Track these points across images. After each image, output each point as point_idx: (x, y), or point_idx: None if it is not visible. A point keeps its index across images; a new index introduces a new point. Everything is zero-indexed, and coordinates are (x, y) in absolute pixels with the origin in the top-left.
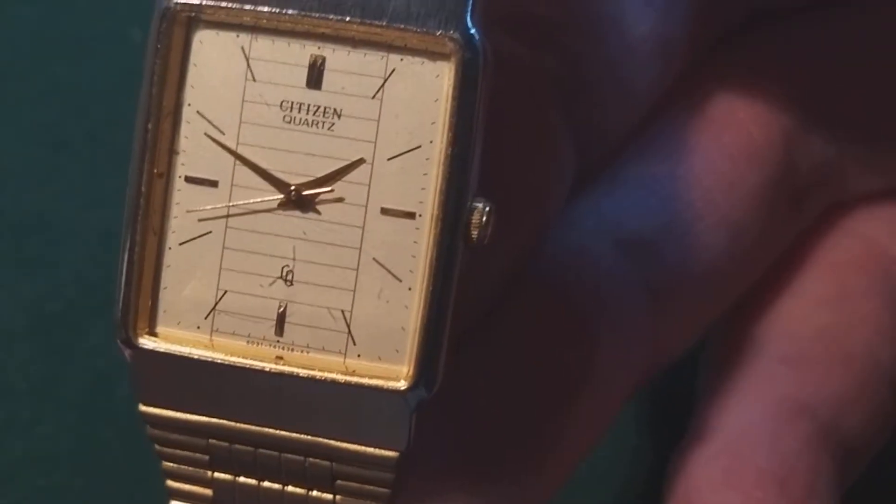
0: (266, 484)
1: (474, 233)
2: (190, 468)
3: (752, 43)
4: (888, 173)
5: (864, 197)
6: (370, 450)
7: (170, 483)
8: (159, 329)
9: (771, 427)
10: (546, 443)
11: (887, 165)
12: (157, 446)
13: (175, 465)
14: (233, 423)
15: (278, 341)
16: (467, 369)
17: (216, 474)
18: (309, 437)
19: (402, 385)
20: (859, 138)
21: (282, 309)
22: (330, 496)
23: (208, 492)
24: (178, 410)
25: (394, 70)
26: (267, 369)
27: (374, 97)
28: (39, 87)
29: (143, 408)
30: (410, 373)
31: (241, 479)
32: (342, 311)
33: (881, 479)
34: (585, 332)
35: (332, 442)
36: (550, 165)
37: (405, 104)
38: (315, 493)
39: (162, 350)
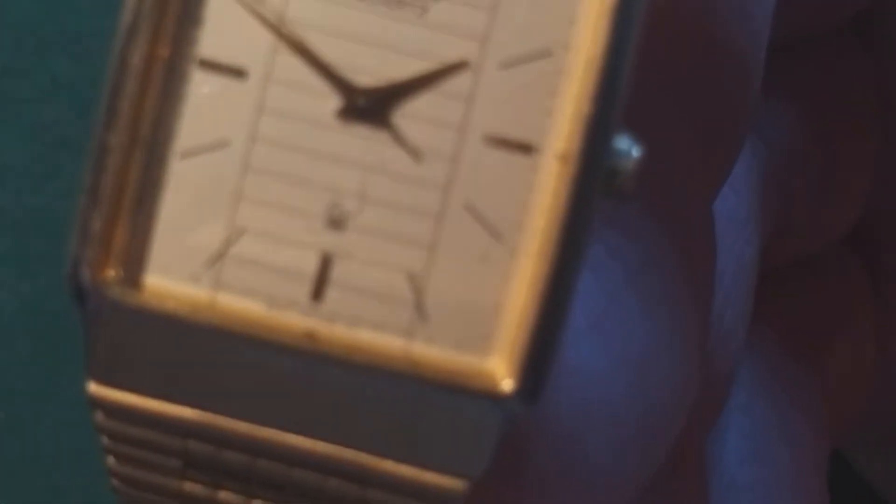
0: None
1: (618, 182)
2: (154, 475)
3: None
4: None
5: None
6: (427, 475)
7: (118, 486)
8: (142, 276)
9: None
10: None
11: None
12: (106, 440)
13: (131, 470)
14: (227, 421)
15: (314, 309)
16: None
17: (187, 485)
18: (336, 449)
19: (505, 386)
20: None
21: (324, 263)
22: None
23: None
24: (149, 396)
25: None
26: (291, 347)
27: None
28: (40, 86)
29: (94, 387)
30: (515, 371)
31: (222, 494)
32: (410, 275)
33: None
34: None
35: (371, 458)
36: None
37: None
38: None
39: (137, 306)
